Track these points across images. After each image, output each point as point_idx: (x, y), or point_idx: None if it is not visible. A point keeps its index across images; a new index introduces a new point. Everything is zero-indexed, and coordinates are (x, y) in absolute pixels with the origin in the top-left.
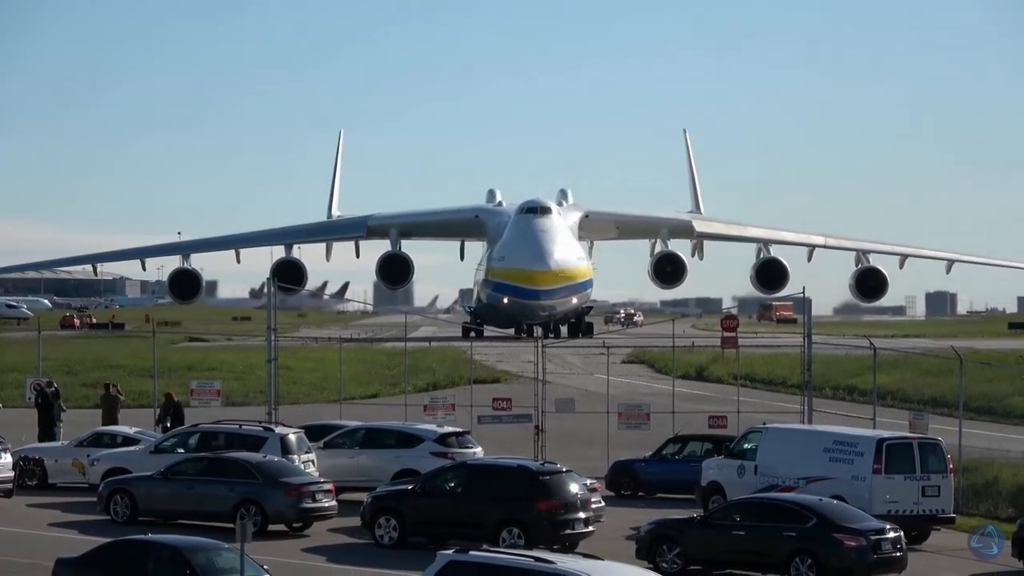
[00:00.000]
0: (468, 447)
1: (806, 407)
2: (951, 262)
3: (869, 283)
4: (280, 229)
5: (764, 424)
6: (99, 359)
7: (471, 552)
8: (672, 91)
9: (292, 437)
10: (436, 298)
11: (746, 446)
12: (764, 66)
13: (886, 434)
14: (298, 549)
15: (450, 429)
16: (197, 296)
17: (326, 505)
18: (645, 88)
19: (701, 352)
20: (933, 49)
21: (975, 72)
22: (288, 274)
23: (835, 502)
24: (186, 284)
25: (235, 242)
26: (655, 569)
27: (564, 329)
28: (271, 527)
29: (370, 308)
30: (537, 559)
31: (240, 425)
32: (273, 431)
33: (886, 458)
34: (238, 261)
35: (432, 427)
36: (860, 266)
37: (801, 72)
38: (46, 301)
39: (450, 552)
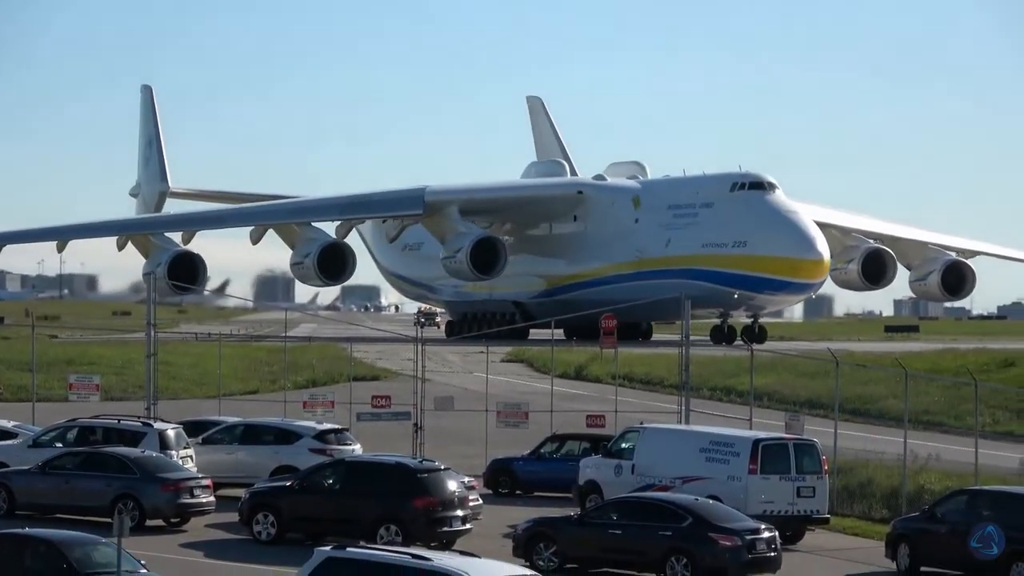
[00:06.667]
0: (346, 444)
1: (683, 407)
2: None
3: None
4: (298, 203)
5: (641, 424)
6: None
7: (348, 548)
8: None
9: (171, 432)
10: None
11: (623, 445)
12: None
13: (762, 435)
14: (176, 544)
15: (329, 426)
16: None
17: (204, 501)
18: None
19: (580, 352)
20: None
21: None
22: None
23: (711, 502)
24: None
25: (252, 215)
26: (531, 567)
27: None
28: (149, 522)
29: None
30: (414, 556)
31: (119, 420)
32: (152, 426)
33: (762, 459)
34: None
35: (311, 424)
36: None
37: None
38: None
39: (327, 548)
